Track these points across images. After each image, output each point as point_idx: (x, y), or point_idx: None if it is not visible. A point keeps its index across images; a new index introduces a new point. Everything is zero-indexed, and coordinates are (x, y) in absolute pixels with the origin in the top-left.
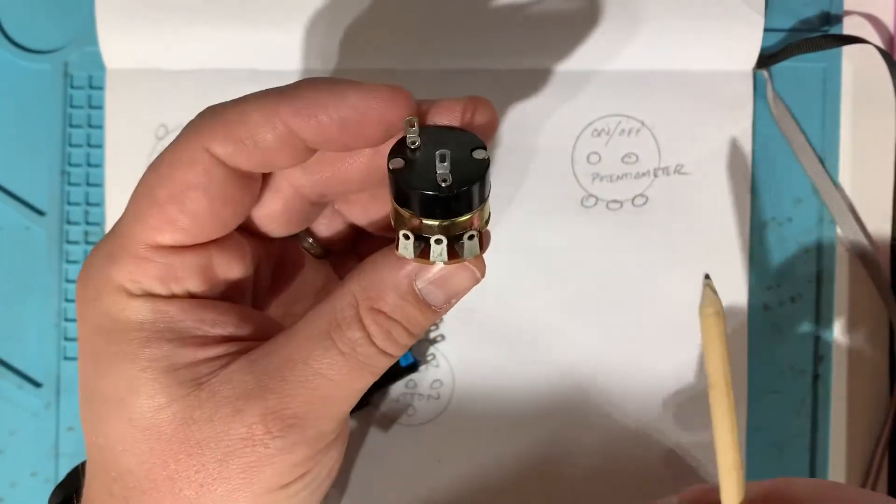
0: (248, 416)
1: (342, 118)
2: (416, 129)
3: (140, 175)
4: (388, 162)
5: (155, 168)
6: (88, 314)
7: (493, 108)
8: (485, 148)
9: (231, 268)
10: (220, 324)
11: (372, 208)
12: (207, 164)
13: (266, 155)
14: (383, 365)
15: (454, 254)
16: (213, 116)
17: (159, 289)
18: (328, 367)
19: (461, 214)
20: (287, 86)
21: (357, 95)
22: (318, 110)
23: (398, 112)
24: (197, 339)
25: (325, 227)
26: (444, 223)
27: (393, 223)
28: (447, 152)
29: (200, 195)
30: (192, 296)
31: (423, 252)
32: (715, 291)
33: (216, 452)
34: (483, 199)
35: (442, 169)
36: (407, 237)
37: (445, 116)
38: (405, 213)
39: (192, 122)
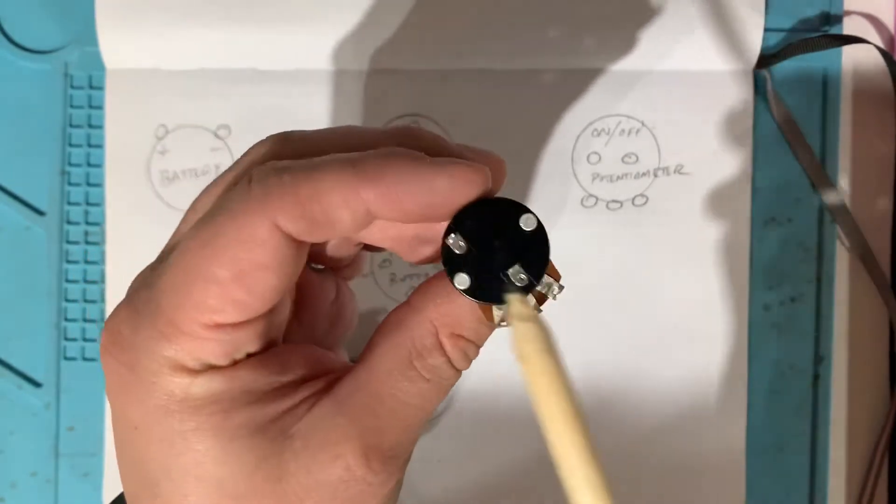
0: (349, 458)
1: (428, 203)
2: (457, 235)
3: (137, 174)
4: (453, 280)
5: (209, 243)
6: (142, 397)
7: (499, 159)
8: (528, 209)
9: (280, 319)
10: (288, 370)
11: (392, 231)
12: (278, 242)
13: (337, 231)
14: (455, 382)
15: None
16: (283, 190)
17: (223, 361)
18: (415, 396)
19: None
20: (363, 160)
21: (445, 182)
22: (403, 197)
23: (479, 192)
24: (274, 393)
25: (335, 248)
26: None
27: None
28: (503, 246)
29: (270, 275)
30: (250, 355)
31: (487, 313)
32: (531, 318)
33: (317, 500)
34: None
35: (514, 271)
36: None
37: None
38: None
39: (251, 193)
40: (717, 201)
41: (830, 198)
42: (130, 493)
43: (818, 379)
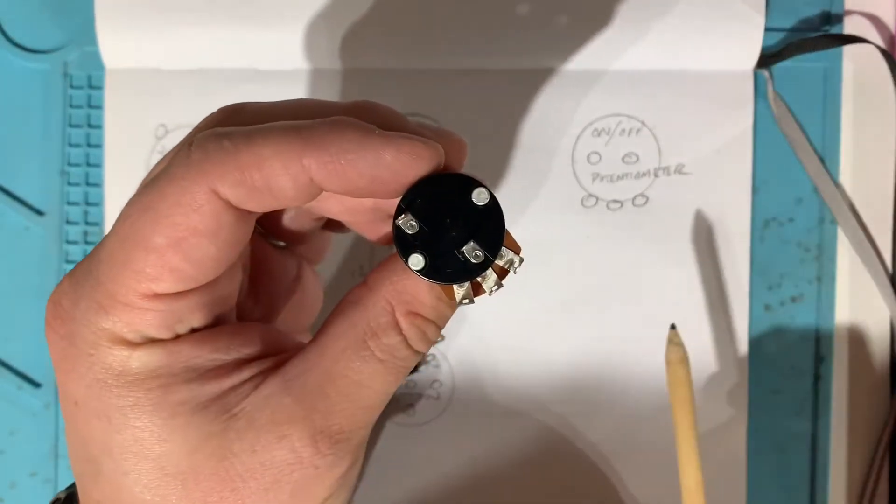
0: (295, 439)
1: (374, 176)
2: (406, 215)
3: (136, 174)
4: (407, 262)
5: (148, 208)
6: (82, 371)
7: (459, 140)
8: (479, 183)
9: (227, 292)
10: (234, 347)
11: (348, 202)
12: (216, 208)
13: (279, 199)
14: (413, 364)
15: (480, 289)
16: (222, 155)
17: (164, 334)
18: (369, 376)
19: (492, 265)
20: (309, 128)
21: (392, 154)
22: (347, 166)
23: (429, 169)
24: (217, 371)
25: (291, 220)
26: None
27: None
28: (457, 222)
29: (207, 242)
30: (195, 330)
31: (448, 291)
32: (679, 341)
33: (261, 482)
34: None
35: (469, 249)
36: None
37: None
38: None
39: (191, 158)
40: (718, 201)
41: (831, 198)
42: (77, 473)
43: (819, 379)
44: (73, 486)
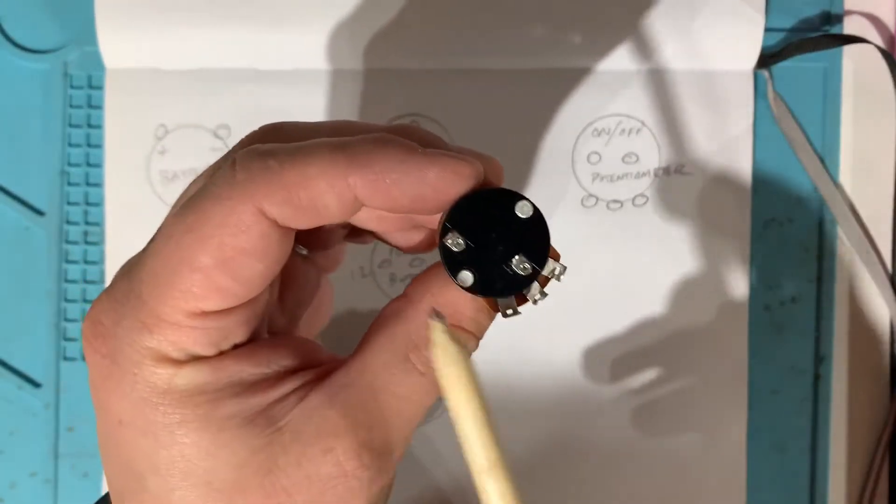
0: (340, 453)
1: (417, 194)
2: (453, 233)
3: (136, 174)
4: (457, 279)
5: (192, 228)
6: (126, 390)
7: (497, 162)
8: (522, 196)
9: (265, 306)
10: (274, 360)
11: (380, 213)
12: (263, 228)
13: (324, 217)
14: None
15: (524, 299)
16: (268, 175)
17: (209, 351)
18: (411, 390)
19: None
20: (353, 145)
21: (436, 172)
22: (392, 186)
23: (470, 186)
24: (261, 384)
25: (320, 229)
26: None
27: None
28: (502, 237)
29: (254, 261)
30: (236, 346)
31: (492, 304)
32: (445, 340)
33: (307, 496)
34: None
35: (516, 262)
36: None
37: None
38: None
39: (236, 178)
40: (718, 201)
41: (830, 197)
42: (116, 491)
43: (819, 379)
44: (100, 501)
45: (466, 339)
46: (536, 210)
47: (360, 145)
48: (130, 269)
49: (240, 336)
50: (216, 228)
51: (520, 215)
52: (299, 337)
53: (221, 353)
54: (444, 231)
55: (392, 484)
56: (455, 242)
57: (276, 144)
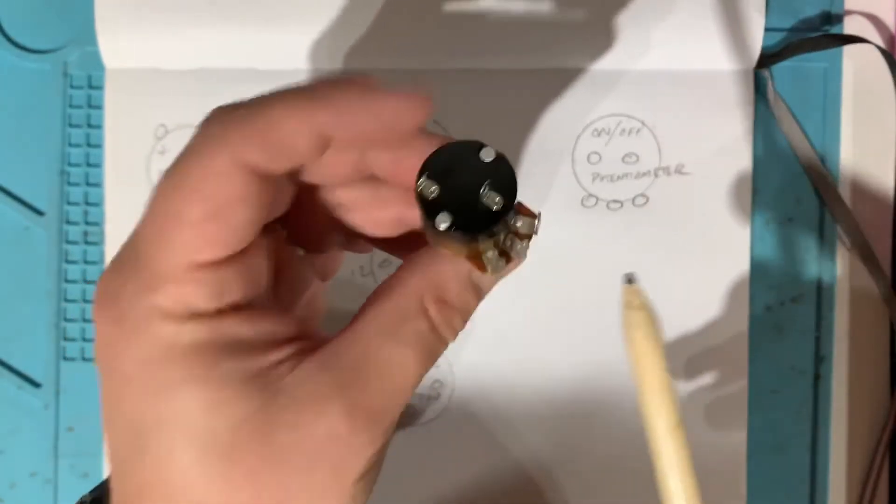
0: (332, 415)
1: (380, 125)
2: (426, 180)
3: (136, 174)
4: (435, 223)
5: (178, 185)
6: (131, 350)
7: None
8: (483, 144)
9: (259, 272)
10: (271, 326)
11: (374, 214)
12: (245, 174)
13: (298, 157)
14: (441, 352)
15: (508, 257)
16: (240, 123)
17: (210, 305)
18: (401, 359)
19: (512, 219)
20: (311, 88)
21: (394, 104)
22: (357, 119)
23: (426, 115)
24: (259, 346)
25: (317, 229)
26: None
27: (440, 246)
28: (472, 179)
29: (240, 207)
30: (235, 307)
31: (478, 263)
32: (641, 301)
33: (302, 458)
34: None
35: (488, 196)
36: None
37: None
38: (463, 247)
39: (209, 132)
40: (718, 201)
41: (831, 197)
42: (117, 457)
43: (819, 379)
44: (97, 488)
45: (452, 314)
46: (499, 153)
47: (321, 87)
48: (131, 236)
49: (236, 294)
50: (199, 182)
51: (485, 159)
52: (287, 311)
53: (220, 312)
54: (417, 178)
55: (384, 455)
56: (428, 189)
57: (242, 99)
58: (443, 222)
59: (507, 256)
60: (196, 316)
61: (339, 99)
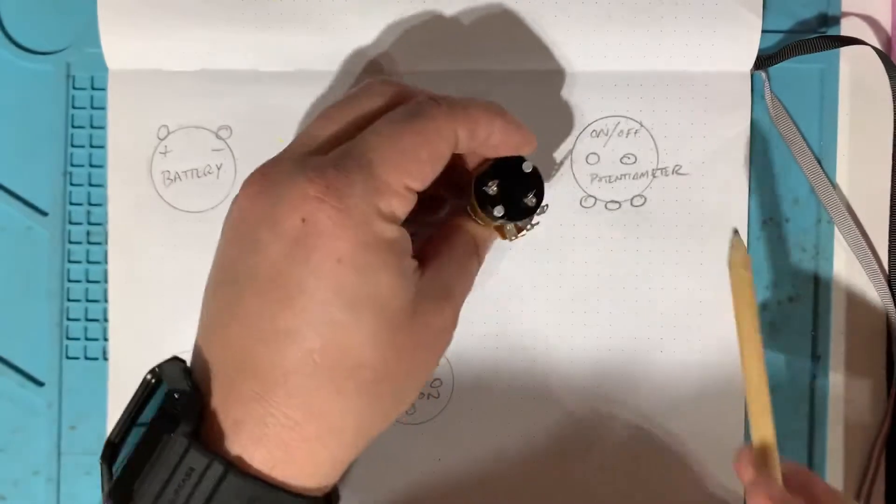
0: (447, 311)
1: (509, 141)
2: (493, 183)
3: (139, 174)
4: (494, 209)
5: (420, 132)
6: (352, 235)
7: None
8: (524, 159)
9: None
10: (412, 240)
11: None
12: (452, 143)
13: (472, 145)
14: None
15: (519, 230)
16: (460, 110)
17: (403, 216)
18: (469, 276)
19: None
20: (489, 104)
21: (525, 134)
22: (503, 133)
23: (532, 147)
24: (409, 251)
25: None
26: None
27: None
28: (516, 183)
29: (440, 163)
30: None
31: (501, 232)
32: (741, 245)
33: (425, 337)
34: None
35: (528, 198)
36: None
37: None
38: (500, 224)
39: (443, 109)
40: (716, 202)
41: (828, 198)
42: (244, 310)
43: (816, 378)
44: (157, 368)
45: (483, 257)
46: (534, 167)
47: (497, 106)
48: (348, 154)
49: (408, 212)
50: (433, 136)
51: (525, 170)
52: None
53: (400, 222)
54: (481, 183)
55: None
56: (491, 188)
57: (449, 96)
58: (499, 213)
59: (520, 229)
60: (397, 220)
61: (506, 116)
